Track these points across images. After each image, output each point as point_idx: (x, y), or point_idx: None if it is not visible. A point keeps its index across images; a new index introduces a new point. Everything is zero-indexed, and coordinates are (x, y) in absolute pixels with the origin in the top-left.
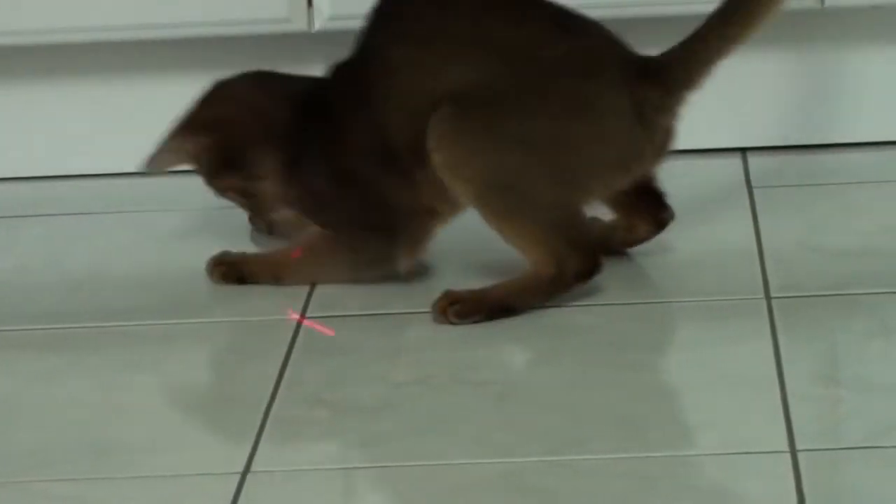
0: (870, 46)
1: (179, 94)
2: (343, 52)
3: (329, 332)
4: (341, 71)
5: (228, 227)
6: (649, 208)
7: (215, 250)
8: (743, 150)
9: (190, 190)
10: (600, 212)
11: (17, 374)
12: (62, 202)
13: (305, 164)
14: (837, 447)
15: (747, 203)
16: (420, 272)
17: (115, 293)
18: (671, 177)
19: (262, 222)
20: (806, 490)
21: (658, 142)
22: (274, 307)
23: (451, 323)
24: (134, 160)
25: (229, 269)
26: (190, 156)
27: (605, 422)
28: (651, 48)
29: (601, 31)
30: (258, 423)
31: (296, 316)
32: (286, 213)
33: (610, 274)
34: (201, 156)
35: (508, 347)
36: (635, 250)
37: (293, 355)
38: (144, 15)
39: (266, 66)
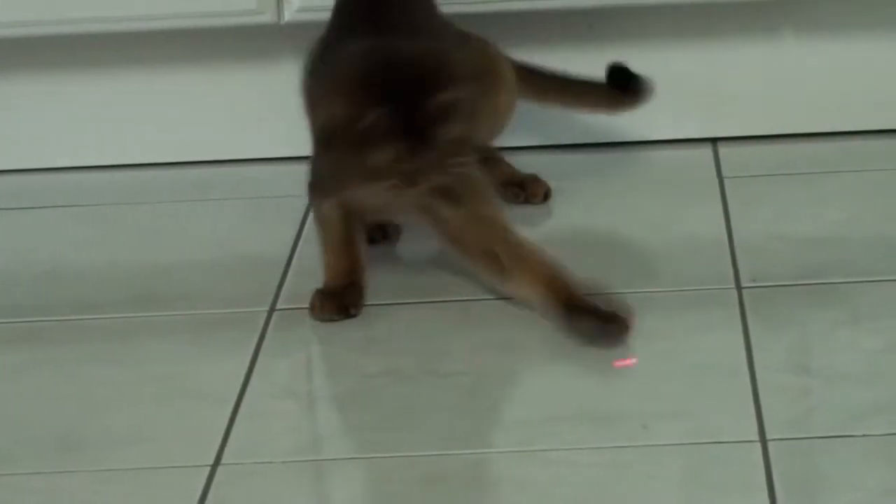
0: (838, 36)
1: (150, 86)
2: (312, 44)
3: None
4: None
5: (200, 220)
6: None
7: (185, 243)
8: (713, 141)
9: (160, 183)
10: None
11: None
12: (30, 195)
13: None
14: (807, 436)
15: (718, 193)
16: (389, 266)
17: (83, 286)
18: (642, 167)
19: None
20: (776, 479)
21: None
22: (244, 300)
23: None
24: (103, 153)
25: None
26: None
27: (575, 411)
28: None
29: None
30: (228, 416)
31: None
32: None
33: (578, 263)
34: None
35: (478, 338)
36: (608, 241)
37: (263, 348)
38: (114, 7)
39: (235, 59)
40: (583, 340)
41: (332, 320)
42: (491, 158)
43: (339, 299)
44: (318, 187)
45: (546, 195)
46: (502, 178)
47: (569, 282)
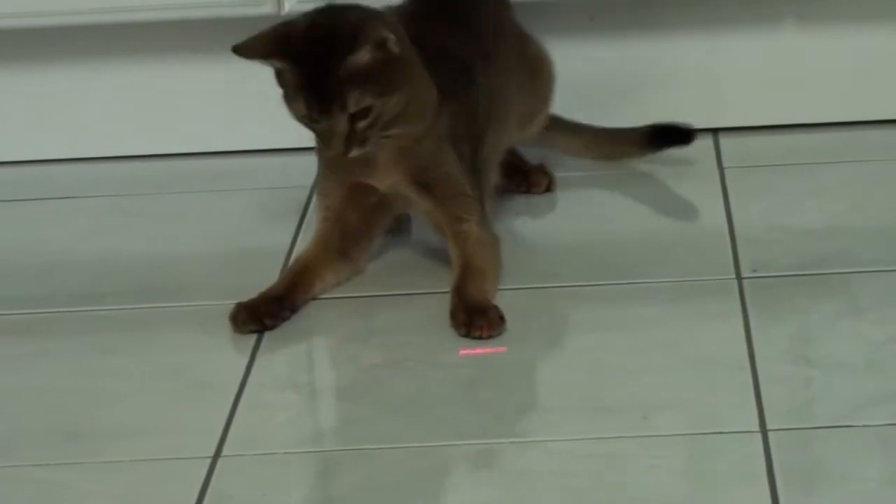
0: (839, 26)
1: (150, 77)
2: None
3: None
4: None
5: (200, 212)
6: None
7: (186, 235)
8: (714, 131)
9: (160, 174)
10: None
11: None
12: (32, 187)
13: None
14: (808, 426)
15: (718, 184)
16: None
17: (84, 278)
18: (642, 158)
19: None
20: (776, 469)
21: None
22: (244, 291)
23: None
24: (104, 145)
25: None
26: None
27: (576, 402)
28: None
29: None
30: (229, 407)
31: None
32: None
33: (579, 255)
34: None
35: None
36: (610, 231)
37: (264, 339)
38: None
39: None
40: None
41: (246, 332)
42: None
43: (253, 311)
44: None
45: (549, 186)
46: (510, 165)
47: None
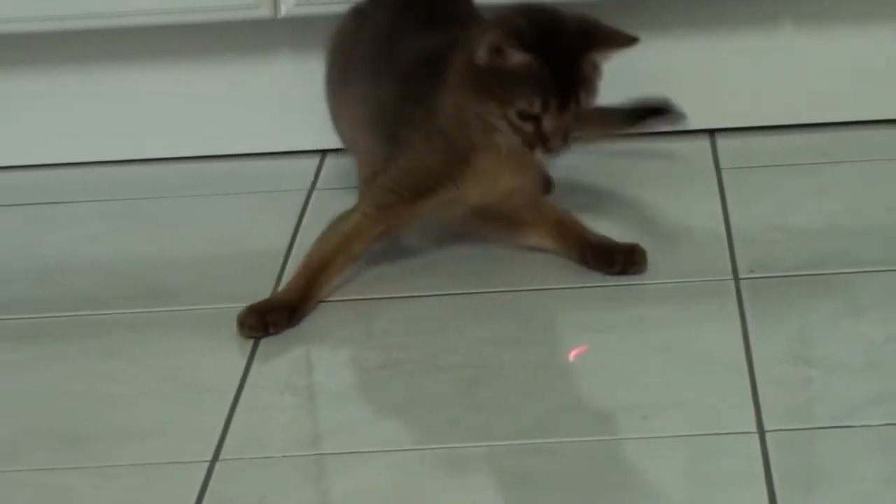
0: (837, 26)
1: (147, 82)
2: (309, 38)
3: None
4: None
5: (198, 215)
6: None
7: (184, 238)
8: (711, 132)
9: (157, 178)
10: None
11: None
12: (33, 190)
13: None
14: (806, 427)
15: (716, 184)
16: (391, 258)
17: (85, 282)
18: (639, 159)
19: None
20: (774, 470)
21: None
22: (243, 294)
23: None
24: (102, 149)
25: None
26: None
27: (576, 403)
28: None
29: None
30: (227, 410)
31: None
32: None
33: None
34: None
35: (477, 332)
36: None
37: (263, 342)
38: (110, 3)
39: (232, 53)
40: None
41: (252, 336)
42: None
43: (262, 316)
44: (387, 197)
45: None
46: None
47: (580, 226)
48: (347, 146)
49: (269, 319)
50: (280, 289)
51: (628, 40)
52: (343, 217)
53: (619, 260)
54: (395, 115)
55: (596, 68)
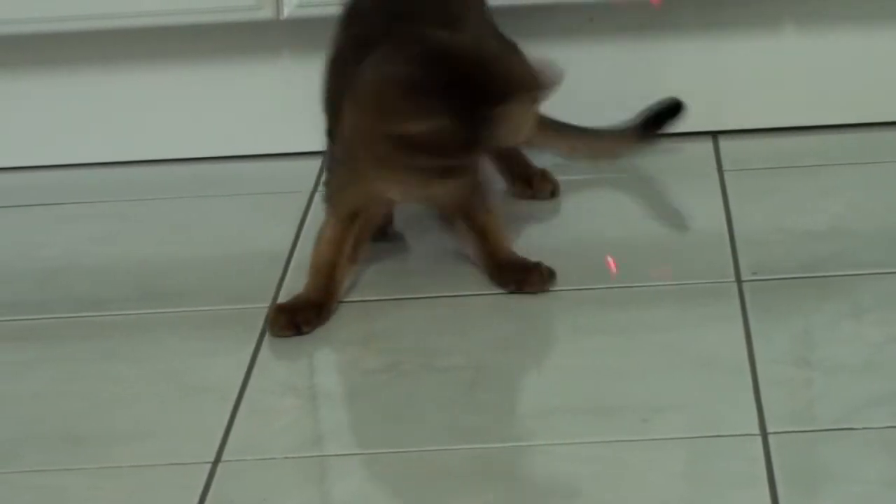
0: (839, 28)
1: (149, 83)
2: (311, 40)
3: None
4: None
5: (200, 216)
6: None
7: (186, 240)
8: (714, 134)
9: (159, 180)
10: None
11: None
12: (35, 192)
13: None
14: (808, 429)
15: (718, 186)
16: (390, 261)
17: (86, 284)
18: (642, 160)
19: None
20: (776, 472)
21: None
22: (244, 296)
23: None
24: (103, 150)
25: None
26: None
27: (576, 406)
28: None
29: None
30: (229, 412)
31: None
32: None
33: (579, 257)
34: None
35: (477, 333)
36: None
37: (264, 344)
38: (112, 5)
39: (235, 55)
40: (506, 289)
41: (283, 336)
42: (511, 150)
43: (292, 316)
44: (335, 200)
45: (553, 191)
46: (517, 172)
47: (501, 245)
48: None
49: (299, 319)
50: (301, 291)
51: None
52: (323, 224)
53: (514, 279)
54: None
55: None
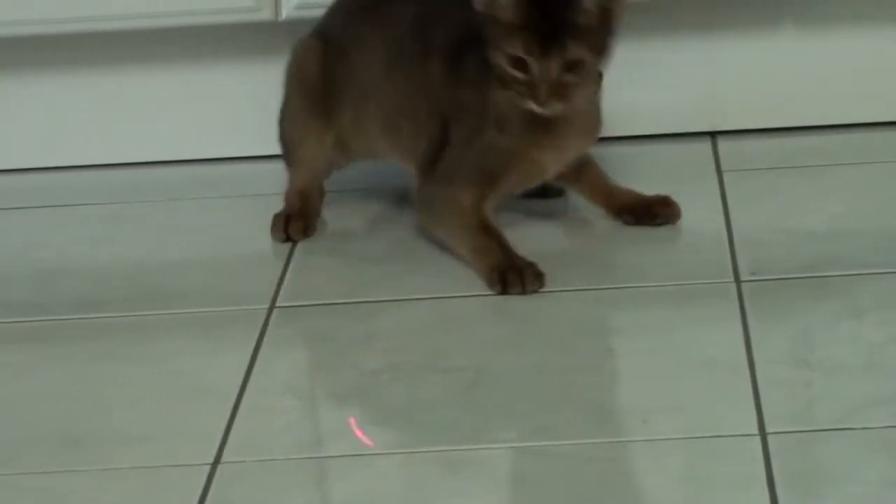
0: (838, 29)
1: (148, 84)
2: None
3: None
4: None
5: (199, 218)
6: None
7: (186, 241)
8: (712, 135)
9: (158, 181)
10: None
11: None
12: (32, 194)
13: None
14: (807, 429)
15: (717, 187)
16: (390, 261)
17: (85, 285)
18: (641, 161)
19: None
20: (776, 472)
21: None
22: (244, 297)
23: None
24: (101, 151)
25: None
26: None
27: (576, 407)
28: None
29: None
30: (229, 413)
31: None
32: None
33: (578, 258)
34: None
35: (477, 334)
36: (610, 235)
37: (264, 344)
38: (111, 7)
39: (234, 56)
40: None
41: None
42: None
43: (520, 274)
44: (466, 178)
45: (561, 192)
46: None
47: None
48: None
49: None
50: (489, 257)
51: None
52: (444, 209)
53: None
54: (449, 97)
55: (600, 15)
